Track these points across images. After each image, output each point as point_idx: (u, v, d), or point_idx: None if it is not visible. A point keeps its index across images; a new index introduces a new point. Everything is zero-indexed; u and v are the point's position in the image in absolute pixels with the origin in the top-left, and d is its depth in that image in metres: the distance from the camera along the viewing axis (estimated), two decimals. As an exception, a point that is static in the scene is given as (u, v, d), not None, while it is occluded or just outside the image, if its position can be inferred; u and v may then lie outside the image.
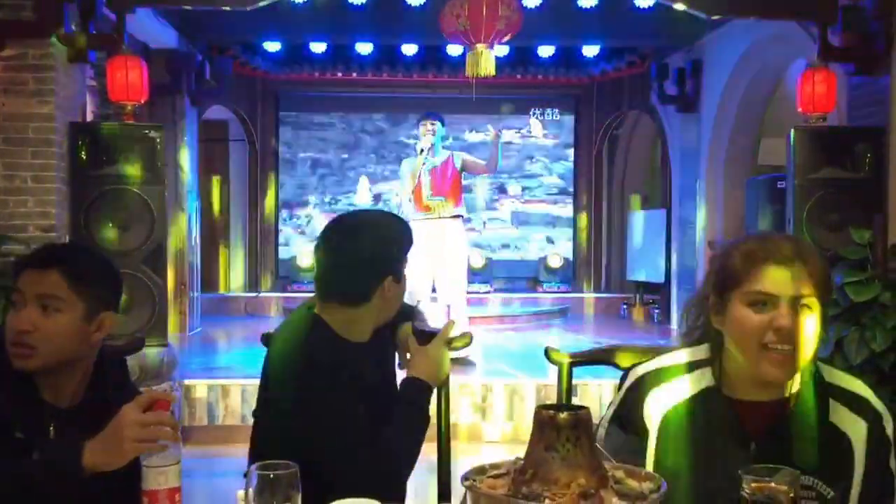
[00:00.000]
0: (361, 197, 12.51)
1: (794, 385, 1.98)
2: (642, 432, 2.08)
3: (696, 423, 2.03)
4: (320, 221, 11.85)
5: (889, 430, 1.97)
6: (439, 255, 7.76)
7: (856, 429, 1.96)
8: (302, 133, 12.41)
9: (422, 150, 7.85)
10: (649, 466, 2.02)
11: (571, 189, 12.68)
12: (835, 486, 1.93)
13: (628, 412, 2.12)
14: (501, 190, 12.65)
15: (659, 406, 2.08)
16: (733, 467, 1.77)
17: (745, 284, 1.96)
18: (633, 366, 2.20)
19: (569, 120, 12.63)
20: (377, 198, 12.49)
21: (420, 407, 2.52)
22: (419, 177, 7.83)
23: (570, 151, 12.68)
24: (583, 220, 12.63)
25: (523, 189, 12.73)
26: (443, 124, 8.02)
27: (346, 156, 12.51)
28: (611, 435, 2.14)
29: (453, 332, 2.66)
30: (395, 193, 11.66)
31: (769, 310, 1.93)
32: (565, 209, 12.71)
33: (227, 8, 6.71)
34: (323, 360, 2.43)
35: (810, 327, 1.92)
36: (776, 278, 1.93)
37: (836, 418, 1.97)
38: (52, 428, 2.18)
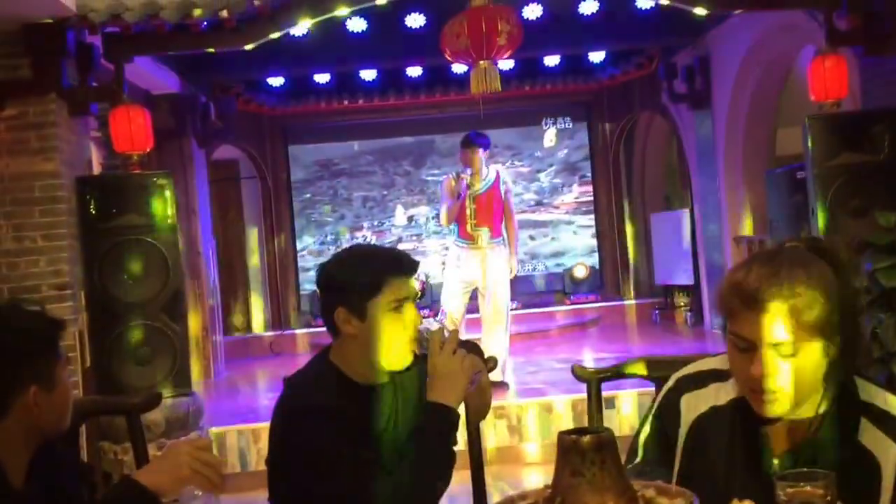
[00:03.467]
0: (399, 220, 12.46)
1: (823, 403, 1.89)
2: (675, 435, 2.05)
3: (722, 433, 1.97)
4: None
5: None
6: (482, 281, 7.65)
7: (886, 451, 1.83)
8: (314, 165, 12.38)
9: (469, 179, 7.69)
10: (676, 470, 2.01)
11: (591, 197, 12.58)
12: None
13: (666, 413, 2.09)
14: (522, 203, 12.56)
15: (691, 411, 2.03)
16: (753, 483, 1.80)
17: (729, 324, 1.89)
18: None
19: (582, 127, 12.55)
20: (411, 219, 12.43)
21: (438, 432, 2.36)
22: (463, 202, 7.69)
23: (587, 158, 12.59)
24: (605, 227, 12.53)
25: (542, 201, 12.64)
26: (486, 148, 7.85)
27: (363, 184, 12.47)
28: (647, 461, 2.09)
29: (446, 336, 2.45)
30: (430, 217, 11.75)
31: (751, 353, 1.84)
32: (587, 218, 12.61)
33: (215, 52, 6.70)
34: (317, 405, 2.35)
35: (795, 372, 1.82)
36: (753, 323, 1.83)
37: (866, 438, 1.85)
38: None
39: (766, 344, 1.82)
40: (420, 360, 2.48)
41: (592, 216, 12.58)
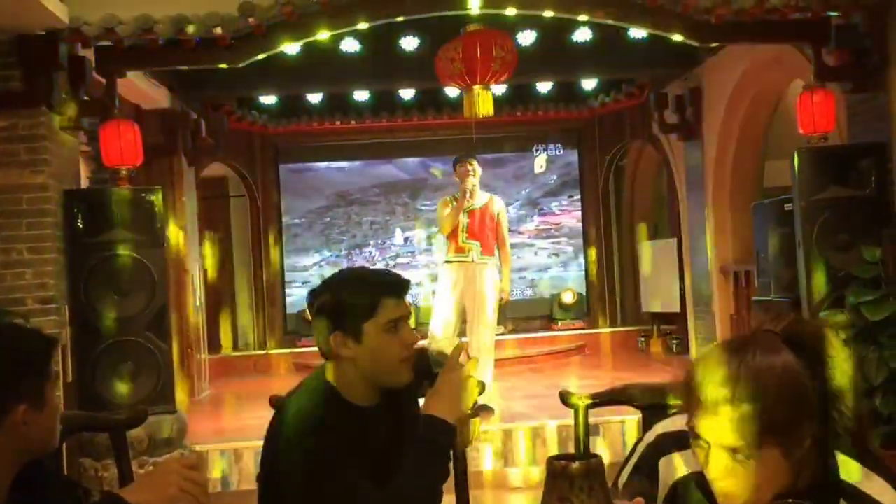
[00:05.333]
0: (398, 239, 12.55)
1: (805, 478, 1.80)
2: (653, 494, 1.97)
3: (699, 497, 1.88)
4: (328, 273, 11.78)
5: None
6: (470, 299, 7.70)
7: None
8: (303, 185, 12.38)
9: (464, 193, 7.79)
10: None
11: (580, 224, 12.60)
12: None
13: (647, 468, 2.01)
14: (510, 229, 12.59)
15: (669, 473, 1.97)
16: None
17: (688, 418, 1.81)
18: (659, 420, 2.09)
19: (572, 154, 12.59)
20: (407, 240, 12.49)
21: (432, 446, 2.34)
22: (457, 218, 7.78)
23: (576, 185, 12.62)
24: (593, 254, 12.54)
25: (531, 225, 12.66)
26: (479, 164, 8.00)
27: (351, 205, 12.47)
28: (633, 482, 2.02)
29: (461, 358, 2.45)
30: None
31: (706, 451, 1.78)
32: (575, 244, 12.64)
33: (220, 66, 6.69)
34: (312, 425, 2.34)
35: (750, 476, 1.74)
36: (703, 422, 1.75)
37: None
38: None
39: (716, 445, 1.75)
40: (418, 381, 2.48)
41: (580, 243, 12.60)
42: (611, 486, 1.99)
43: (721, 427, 1.72)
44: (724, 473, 1.75)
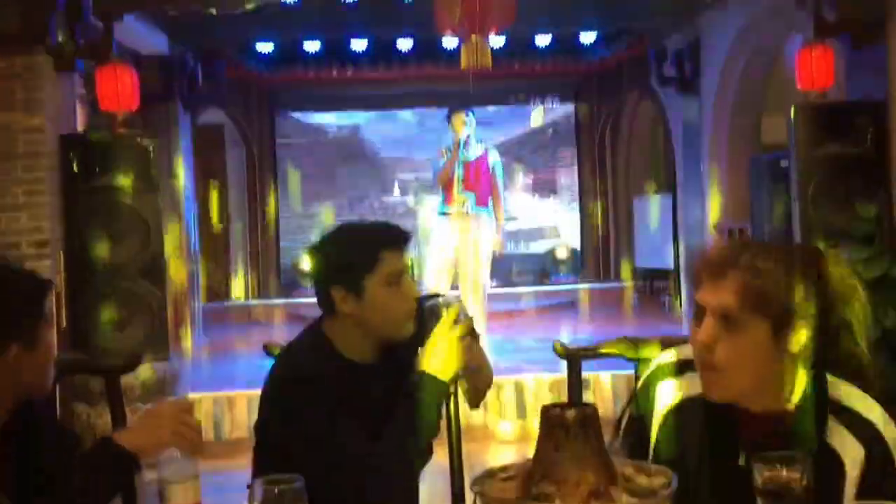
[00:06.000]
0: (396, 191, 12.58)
1: (792, 399, 1.90)
2: (649, 423, 2.05)
3: (693, 424, 1.97)
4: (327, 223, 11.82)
5: None
6: (464, 251, 7.71)
7: (851, 453, 1.84)
8: (301, 133, 12.33)
9: (458, 144, 7.78)
10: (651, 458, 2.00)
11: (575, 178, 12.58)
12: None
13: (643, 399, 2.09)
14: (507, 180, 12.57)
15: (664, 399, 2.04)
16: (719, 474, 1.86)
17: (694, 293, 1.92)
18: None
19: (569, 107, 12.53)
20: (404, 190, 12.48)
21: (422, 402, 2.35)
22: (453, 169, 7.77)
23: (573, 139, 12.59)
24: (588, 209, 12.55)
25: (527, 179, 12.64)
26: (474, 114, 7.97)
27: (347, 157, 12.43)
28: (626, 443, 2.11)
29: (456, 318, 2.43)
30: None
31: (701, 320, 1.88)
32: (570, 198, 12.62)
33: (216, 12, 6.62)
34: (307, 375, 2.35)
35: (736, 348, 1.84)
36: (705, 289, 1.88)
37: (833, 438, 1.86)
38: None
39: (712, 309, 1.85)
40: (418, 338, 2.46)
41: (576, 197, 12.58)
42: (613, 426, 2.13)
43: (720, 290, 1.84)
44: (714, 339, 1.85)
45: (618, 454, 1.98)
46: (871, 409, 1.89)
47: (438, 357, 2.37)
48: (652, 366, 2.12)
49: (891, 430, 1.87)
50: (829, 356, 1.91)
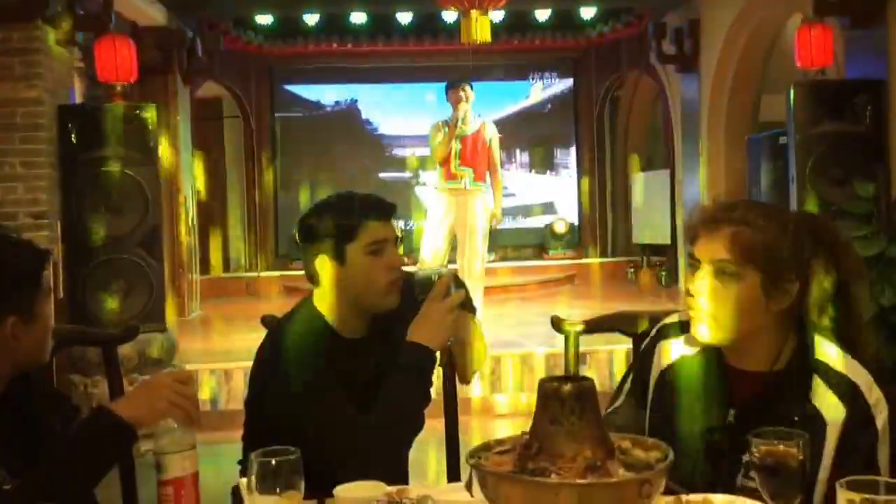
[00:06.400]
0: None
1: (784, 358, 1.97)
2: (648, 380, 2.14)
3: (688, 379, 2.05)
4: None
5: (879, 422, 1.90)
6: (461, 226, 7.72)
7: (833, 412, 1.90)
8: (300, 107, 12.30)
9: (456, 120, 7.77)
10: (647, 414, 2.11)
11: (574, 153, 12.58)
12: None
13: (645, 359, 2.17)
14: (505, 156, 12.54)
15: (664, 357, 2.12)
16: (708, 431, 1.95)
17: (690, 248, 2.00)
18: None
19: (568, 83, 12.51)
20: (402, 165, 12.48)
21: (414, 371, 2.37)
22: (450, 145, 7.76)
23: (571, 115, 12.57)
24: (586, 184, 12.54)
25: (525, 155, 12.63)
26: (472, 89, 7.93)
27: (345, 131, 12.41)
28: (617, 412, 2.17)
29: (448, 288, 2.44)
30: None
31: (696, 272, 1.97)
32: (568, 174, 12.62)
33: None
34: (297, 349, 2.36)
35: (728, 297, 1.93)
36: (700, 242, 1.97)
37: (817, 398, 1.92)
38: None
39: (706, 260, 1.95)
40: (407, 311, 2.46)
41: (574, 172, 12.58)
42: (615, 390, 2.23)
43: (715, 242, 1.94)
44: (707, 290, 1.94)
45: (620, 413, 2.14)
46: (857, 374, 1.93)
47: (426, 326, 2.39)
48: (655, 328, 2.19)
49: (874, 393, 1.92)
50: (826, 322, 1.98)
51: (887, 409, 1.91)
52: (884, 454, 1.89)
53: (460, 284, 2.50)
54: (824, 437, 1.88)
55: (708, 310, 1.95)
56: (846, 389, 1.91)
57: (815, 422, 1.88)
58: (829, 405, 1.90)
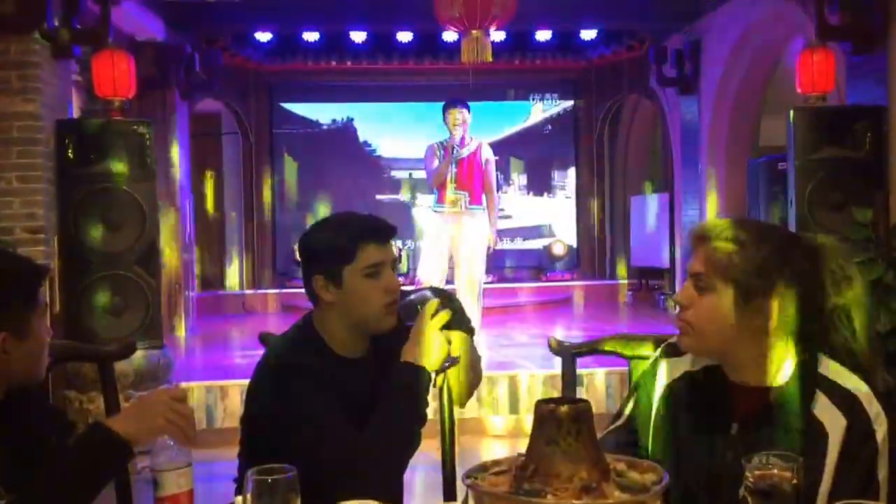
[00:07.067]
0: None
1: (785, 373, 1.99)
2: (651, 399, 2.16)
3: (691, 396, 2.09)
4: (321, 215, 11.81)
5: (879, 435, 1.92)
6: (458, 248, 7.71)
7: (834, 424, 1.92)
8: (298, 124, 12.31)
9: (452, 148, 7.76)
10: (651, 432, 2.13)
11: (573, 175, 12.59)
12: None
13: (648, 378, 2.20)
14: (503, 177, 12.55)
15: (666, 376, 2.15)
16: (711, 445, 1.99)
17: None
18: None
19: (568, 105, 12.54)
20: (400, 186, 12.48)
21: (406, 391, 2.36)
22: (447, 169, 7.76)
23: (571, 136, 12.59)
24: (585, 206, 12.54)
25: (524, 176, 12.64)
26: (469, 111, 7.92)
27: (343, 150, 12.42)
28: (614, 432, 2.21)
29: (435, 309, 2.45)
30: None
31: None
32: (567, 195, 12.63)
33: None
34: (295, 368, 2.35)
35: (705, 309, 2.00)
36: (693, 258, 2.04)
37: (819, 411, 1.94)
38: None
39: (689, 273, 2.04)
40: (404, 334, 2.46)
41: (573, 194, 12.59)
42: (617, 410, 2.26)
43: (697, 257, 2.02)
44: (687, 300, 2.02)
45: (621, 434, 2.17)
46: (858, 388, 1.96)
47: (418, 346, 2.39)
48: (659, 349, 2.23)
49: (874, 406, 1.94)
50: (823, 339, 2.02)
51: (886, 423, 1.93)
52: (883, 468, 1.91)
53: (448, 303, 2.49)
54: (826, 449, 1.90)
55: (686, 320, 2.03)
56: (847, 401, 1.93)
57: (817, 433, 1.92)
58: (831, 417, 1.92)
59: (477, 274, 7.81)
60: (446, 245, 7.79)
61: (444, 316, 2.43)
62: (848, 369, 1.99)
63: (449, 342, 2.43)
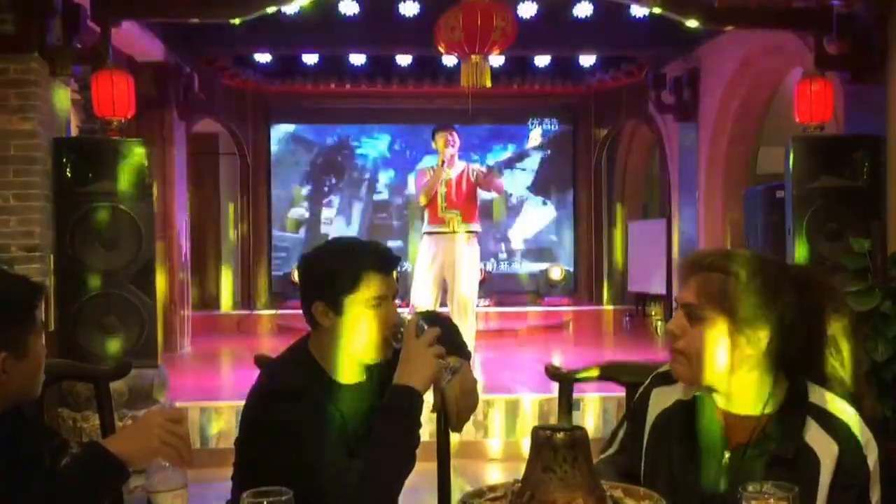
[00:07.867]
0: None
1: (771, 402, 2.01)
2: (643, 428, 2.17)
3: (682, 425, 2.08)
4: (316, 236, 11.83)
5: (871, 461, 1.94)
6: (450, 269, 7.70)
7: (826, 450, 1.94)
8: (295, 146, 12.33)
9: (442, 163, 7.79)
10: (643, 460, 2.13)
11: (571, 199, 12.60)
12: None
13: (638, 407, 2.21)
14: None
15: (658, 405, 2.16)
16: (704, 474, 2.00)
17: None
18: None
19: (566, 129, 12.57)
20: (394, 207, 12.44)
21: (398, 413, 2.33)
22: (435, 188, 7.77)
23: (569, 161, 12.61)
24: (583, 231, 12.55)
25: (522, 200, 12.65)
26: (458, 135, 7.99)
27: (339, 172, 12.43)
28: (613, 460, 2.21)
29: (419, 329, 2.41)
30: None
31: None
32: (565, 220, 12.64)
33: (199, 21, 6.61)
34: (289, 392, 2.33)
35: (698, 339, 1.99)
36: (684, 288, 2.04)
37: (811, 438, 1.96)
38: None
39: (680, 303, 2.04)
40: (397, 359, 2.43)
41: (570, 219, 12.61)
42: (609, 436, 2.28)
43: (688, 287, 2.02)
44: (679, 330, 2.02)
45: (613, 460, 2.18)
46: (849, 416, 1.98)
47: (408, 367, 2.36)
48: (650, 378, 2.24)
49: (865, 432, 1.96)
50: (813, 368, 2.03)
51: (877, 449, 1.94)
52: (875, 494, 1.92)
53: (434, 321, 2.48)
54: (818, 474, 1.92)
55: (678, 349, 2.03)
56: (839, 428, 1.95)
57: (809, 460, 1.93)
58: (822, 443, 1.94)
59: (469, 295, 7.80)
60: (438, 266, 7.78)
61: (433, 332, 2.39)
62: (838, 397, 2.00)
63: (442, 357, 2.39)
